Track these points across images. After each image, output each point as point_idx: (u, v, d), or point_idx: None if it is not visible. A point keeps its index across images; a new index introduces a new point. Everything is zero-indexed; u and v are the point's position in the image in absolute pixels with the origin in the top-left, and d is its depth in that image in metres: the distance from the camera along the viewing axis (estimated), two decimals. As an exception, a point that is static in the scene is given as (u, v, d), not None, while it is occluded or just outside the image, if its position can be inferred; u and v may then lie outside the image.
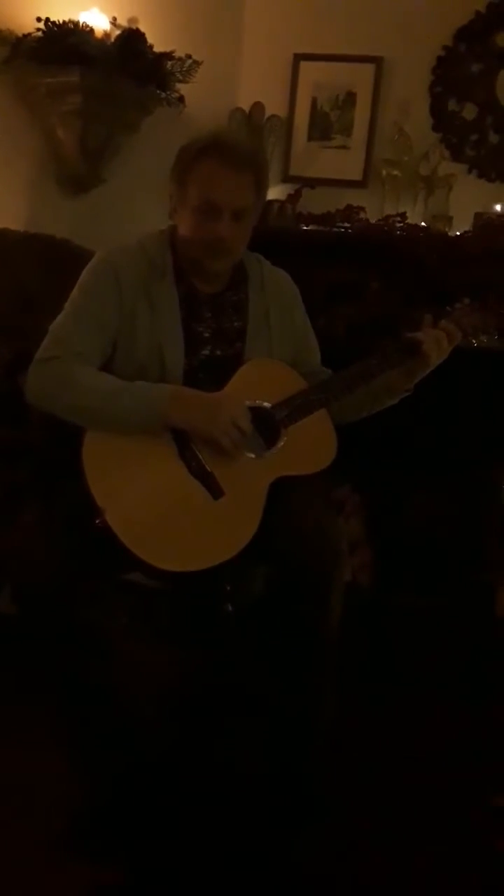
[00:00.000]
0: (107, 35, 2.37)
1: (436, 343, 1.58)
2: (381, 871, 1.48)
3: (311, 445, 1.59)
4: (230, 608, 1.62)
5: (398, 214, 2.66)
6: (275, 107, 2.85)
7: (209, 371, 1.58)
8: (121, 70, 2.35)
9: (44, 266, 2.11)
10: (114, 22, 2.40)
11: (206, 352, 1.59)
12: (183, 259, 1.59)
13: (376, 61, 2.77)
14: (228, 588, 1.62)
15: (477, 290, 1.72)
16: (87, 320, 1.51)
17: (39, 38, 2.25)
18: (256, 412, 1.56)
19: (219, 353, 1.61)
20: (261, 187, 1.58)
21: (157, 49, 2.44)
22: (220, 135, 1.55)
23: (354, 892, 1.44)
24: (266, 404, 1.57)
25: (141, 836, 1.49)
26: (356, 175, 2.85)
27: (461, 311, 1.67)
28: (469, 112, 2.75)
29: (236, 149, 1.53)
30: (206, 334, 1.60)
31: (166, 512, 1.45)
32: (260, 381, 1.59)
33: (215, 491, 1.49)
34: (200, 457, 1.49)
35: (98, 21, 2.36)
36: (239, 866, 1.46)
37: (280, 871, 1.46)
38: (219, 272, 1.60)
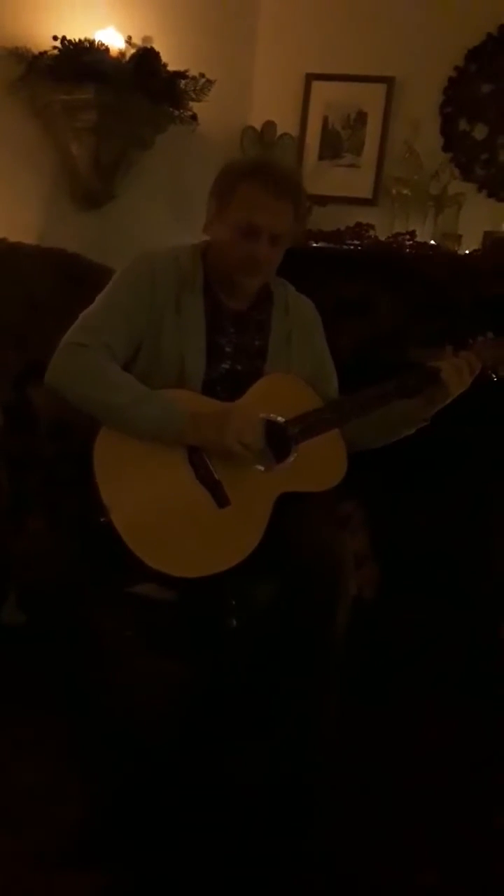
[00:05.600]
0: (122, 54, 2.40)
1: (456, 373, 1.60)
2: (381, 873, 1.48)
3: (320, 464, 1.60)
4: (234, 623, 1.62)
5: (407, 232, 2.68)
6: (287, 125, 2.88)
7: (227, 384, 1.60)
8: (135, 88, 2.38)
9: (55, 279, 2.13)
10: (129, 41, 2.43)
11: (226, 365, 1.61)
12: (213, 273, 1.61)
13: (388, 81, 2.80)
14: (233, 602, 1.62)
15: (492, 314, 1.72)
16: (117, 314, 1.53)
17: (55, 56, 2.28)
18: (270, 426, 1.57)
19: (239, 367, 1.62)
20: (298, 216, 1.60)
21: (171, 68, 2.47)
22: (267, 160, 1.63)
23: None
24: (280, 419, 1.58)
25: (143, 843, 1.48)
26: (366, 193, 2.88)
27: (483, 344, 1.68)
28: (479, 132, 2.78)
29: (281, 176, 1.57)
30: (228, 349, 1.62)
31: (170, 516, 1.46)
32: (276, 395, 1.61)
33: (221, 499, 1.49)
34: (209, 464, 1.50)
35: (113, 40, 2.39)
36: (241, 873, 1.46)
37: (281, 878, 1.45)
38: (248, 289, 1.63)
